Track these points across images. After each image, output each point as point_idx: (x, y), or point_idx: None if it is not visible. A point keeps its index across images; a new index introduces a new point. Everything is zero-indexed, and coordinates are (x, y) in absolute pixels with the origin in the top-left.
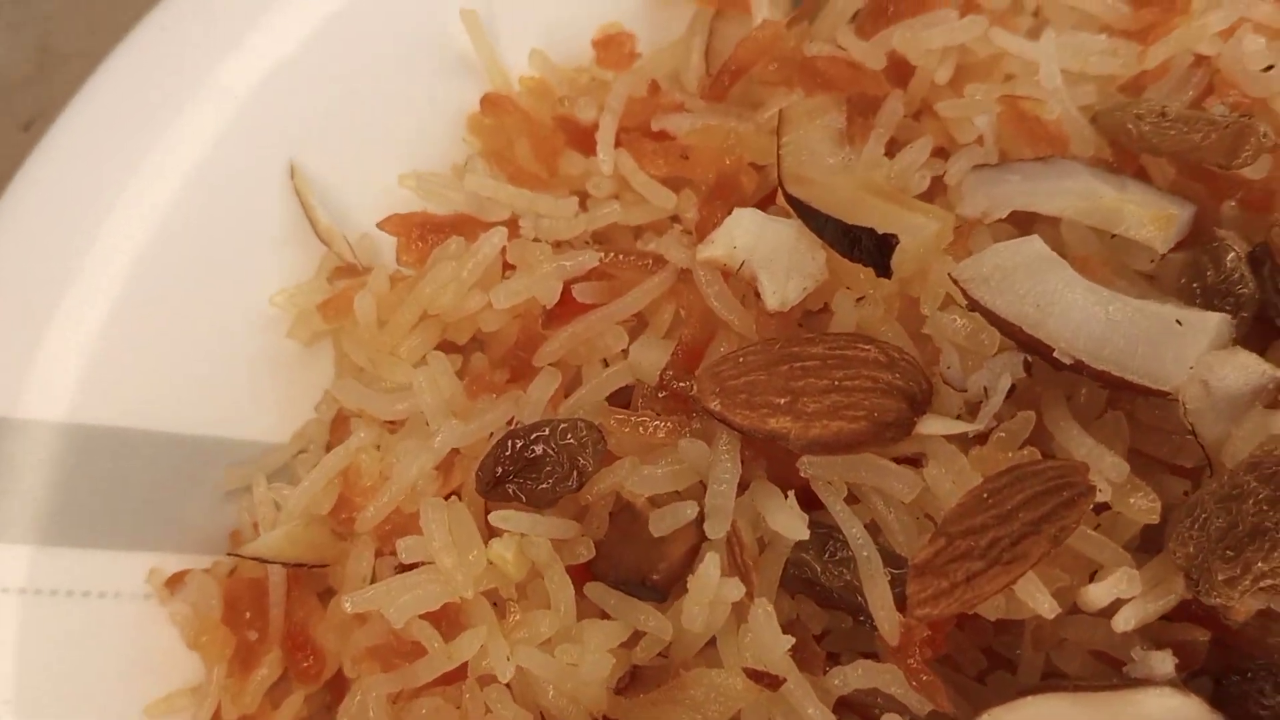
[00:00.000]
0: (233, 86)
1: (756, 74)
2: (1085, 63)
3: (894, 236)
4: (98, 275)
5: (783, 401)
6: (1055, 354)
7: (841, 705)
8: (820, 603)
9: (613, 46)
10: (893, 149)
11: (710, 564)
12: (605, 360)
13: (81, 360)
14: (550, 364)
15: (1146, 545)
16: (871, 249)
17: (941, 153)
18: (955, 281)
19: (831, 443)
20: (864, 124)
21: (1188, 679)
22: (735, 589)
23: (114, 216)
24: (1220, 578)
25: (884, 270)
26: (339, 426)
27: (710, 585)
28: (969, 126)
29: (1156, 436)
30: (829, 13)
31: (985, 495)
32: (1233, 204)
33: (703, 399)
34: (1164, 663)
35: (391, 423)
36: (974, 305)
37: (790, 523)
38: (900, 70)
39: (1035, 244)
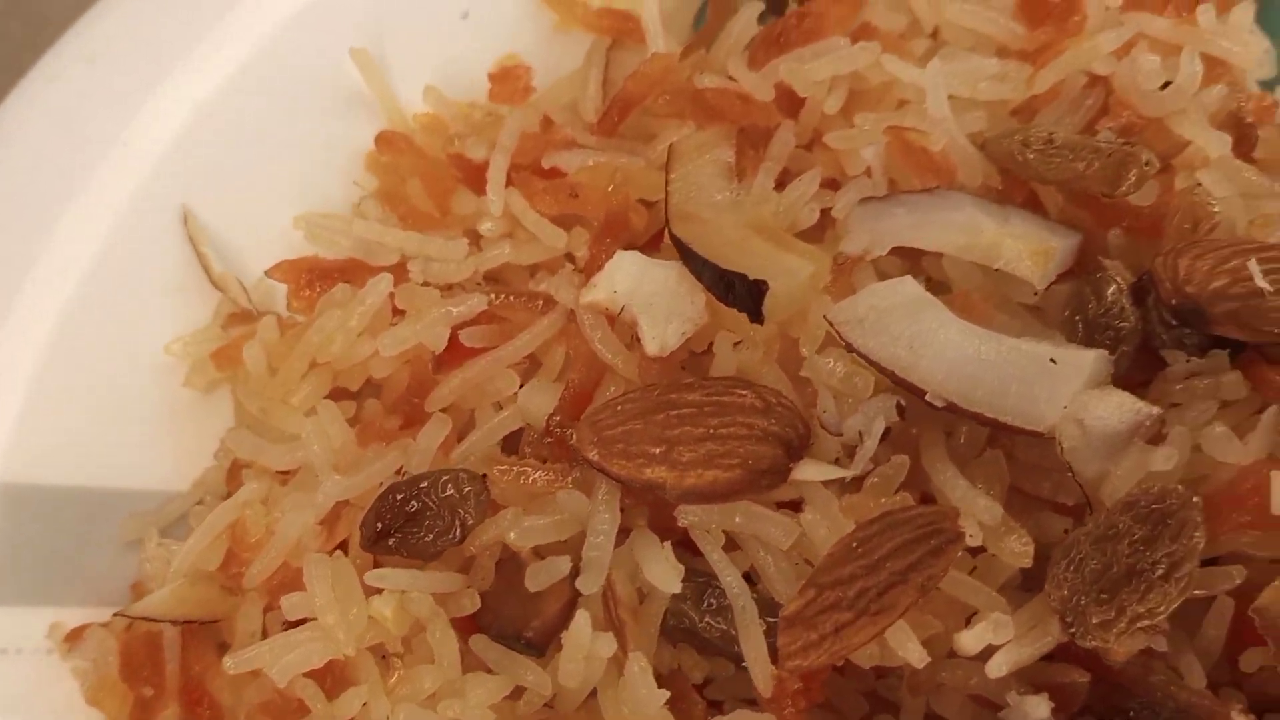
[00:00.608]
0: (126, 135)
1: (649, 107)
2: (975, 89)
3: (763, 283)
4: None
5: (658, 451)
6: (927, 397)
7: None
8: (701, 651)
9: (508, 80)
10: (788, 178)
11: (582, 621)
12: (498, 404)
13: None
14: (442, 409)
15: (1030, 584)
16: (744, 294)
17: (834, 184)
18: (830, 324)
19: (707, 492)
20: (756, 156)
21: None
22: (608, 645)
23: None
24: (1095, 621)
25: (756, 316)
26: (236, 474)
27: (583, 642)
28: (858, 157)
29: (1038, 474)
30: (724, 40)
31: (855, 545)
32: (1119, 232)
33: (581, 449)
34: (1039, 707)
35: (285, 472)
36: (850, 347)
37: (664, 575)
38: (795, 99)
39: (909, 285)
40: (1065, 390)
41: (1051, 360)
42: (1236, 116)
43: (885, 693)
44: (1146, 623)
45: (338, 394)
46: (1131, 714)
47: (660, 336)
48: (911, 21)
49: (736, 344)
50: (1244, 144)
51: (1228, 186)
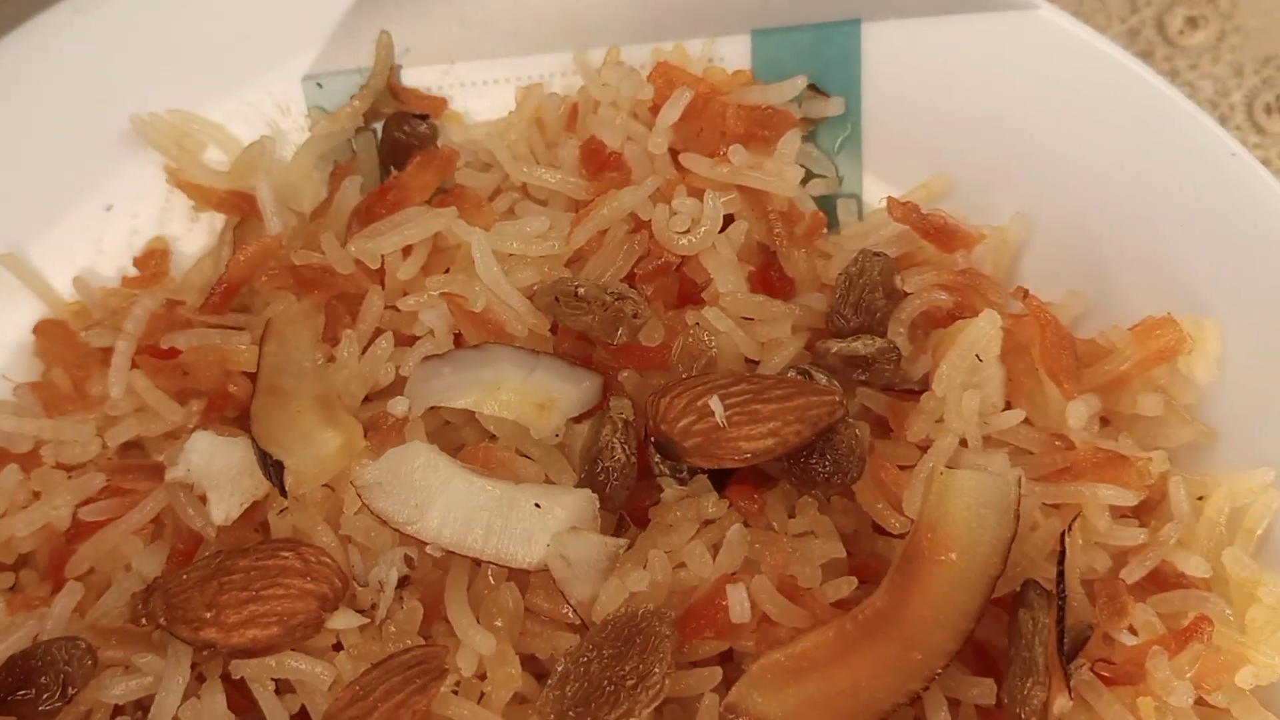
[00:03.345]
0: None
1: (256, 283)
2: (527, 246)
3: (280, 463)
4: None
5: (210, 615)
6: (427, 549)
7: None
8: None
9: (148, 264)
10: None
11: None
12: (127, 566)
13: None
14: (81, 574)
15: None
16: (271, 470)
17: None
18: (355, 487)
19: (250, 649)
20: (349, 322)
21: None
22: None
23: None
24: None
25: (282, 490)
26: None
27: None
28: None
29: (553, 597)
30: (332, 213)
31: (357, 688)
32: (630, 372)
33: (154, 616)
34: None
35: None
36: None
37: None
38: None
39: (420, 448)
40: (547, 530)
41: (536, 504)
42: (763, 245)
43: None
44: None
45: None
46: None
47: (224, 508)
48: (504, 177)
49: (281, 511)
50: (770, 268)
51: (727, 321)
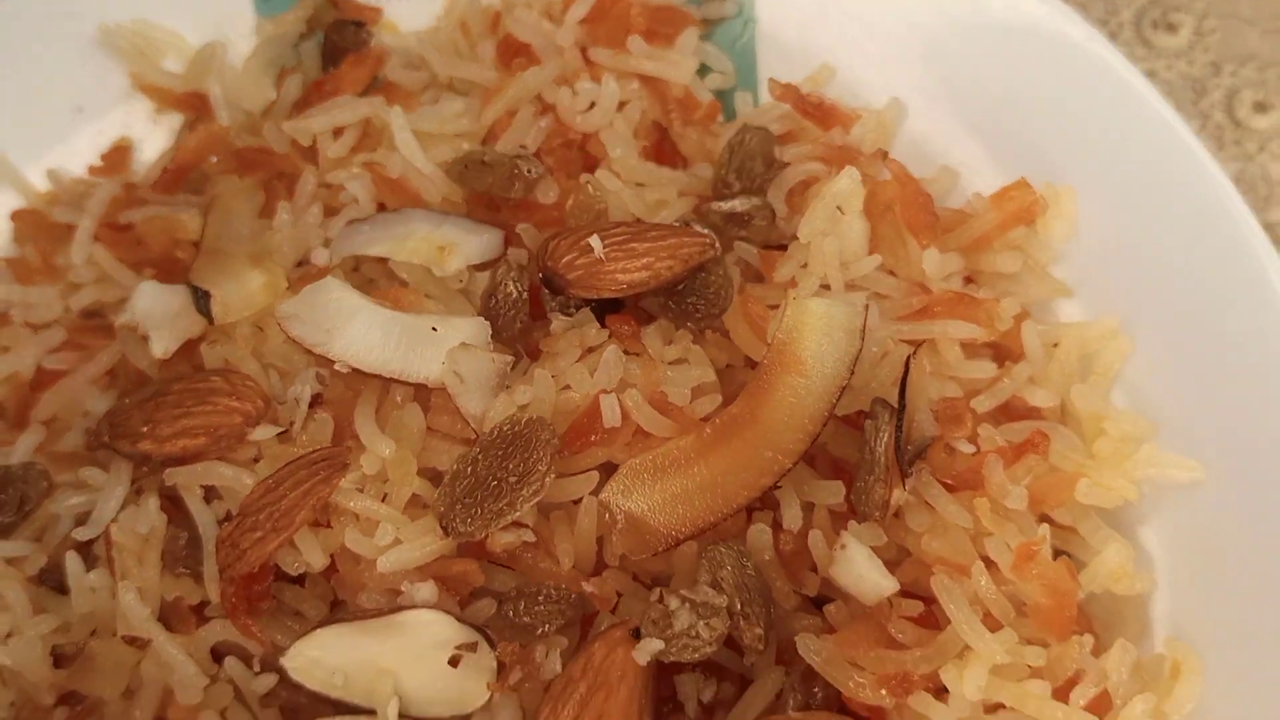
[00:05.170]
0: None
1: (206, 166)
2: (443, 125)
3: (207, 293)
4: None
5: (145, 430)
6: (335, 366)
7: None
8: (196, 580)
9: (114, 157)
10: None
11: (72, 562)
12: (86, 412)
13: None
14: (45, 418)
15: None
16: (200, 302)
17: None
18: (277, 319)
19: (180, 456)
20: (289, 197)
21: (472, 599)
22: (103, 578)
23: None
24: (459, 521)
25: (209, 318)
26: None
27: (84, 584)
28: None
29: (450, 416)
30: (277, 107)
31: (270, 481)
32: (528, 225)
33: (99, 435)
34: (423, 591)
35: None
36: (288, 335)
37: (145, 522)
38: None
39: (332, 284)
40: (442, 349)
41: (433, 329)
42: (659, 125)
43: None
44: (508, 518)
45: None
46: (511, 596)
47: (163, 343)
48: (432, 76)
49: (211, 342)
50: (664, 144)
51: (615, 182)
